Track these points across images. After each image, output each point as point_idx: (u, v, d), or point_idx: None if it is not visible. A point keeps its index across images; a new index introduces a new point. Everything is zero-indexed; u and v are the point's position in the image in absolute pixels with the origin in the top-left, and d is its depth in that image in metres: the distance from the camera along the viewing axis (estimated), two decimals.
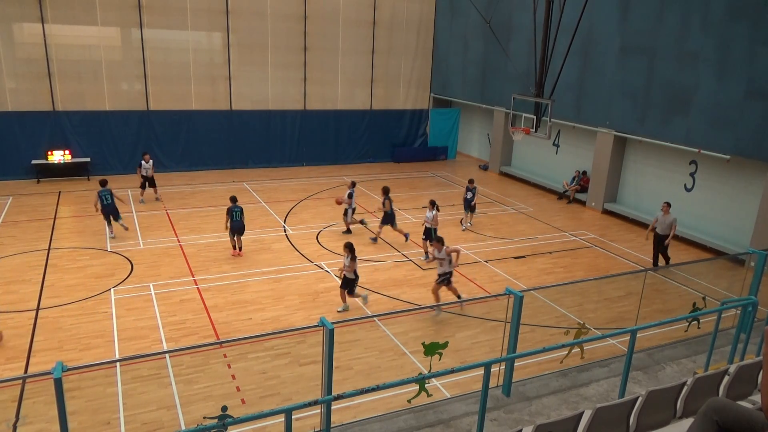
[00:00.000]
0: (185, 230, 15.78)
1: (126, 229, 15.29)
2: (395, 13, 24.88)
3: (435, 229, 14.32)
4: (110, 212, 14.85)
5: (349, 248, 11.30)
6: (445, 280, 11.42)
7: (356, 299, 11.71)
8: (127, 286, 12.26)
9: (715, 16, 14.88)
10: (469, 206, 16.80)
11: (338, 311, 11.49)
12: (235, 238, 14.13)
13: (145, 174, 17.99)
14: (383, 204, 15.24)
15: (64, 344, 9.88)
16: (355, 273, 11.42)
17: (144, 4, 20.59)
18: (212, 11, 21.66)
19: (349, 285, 11.45)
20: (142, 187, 18.19)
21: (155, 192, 18.47)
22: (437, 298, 11.53)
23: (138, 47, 20.97)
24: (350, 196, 15.75)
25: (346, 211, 15.97)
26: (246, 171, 23.07)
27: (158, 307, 11.34)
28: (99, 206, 14.76)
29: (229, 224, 14.09)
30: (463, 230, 16.67)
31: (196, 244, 14.76)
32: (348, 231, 16.07)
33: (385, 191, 15.31)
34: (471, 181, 16.90)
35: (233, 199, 14.39)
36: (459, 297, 11.55)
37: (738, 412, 3.54)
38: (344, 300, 11.55)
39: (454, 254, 11.32)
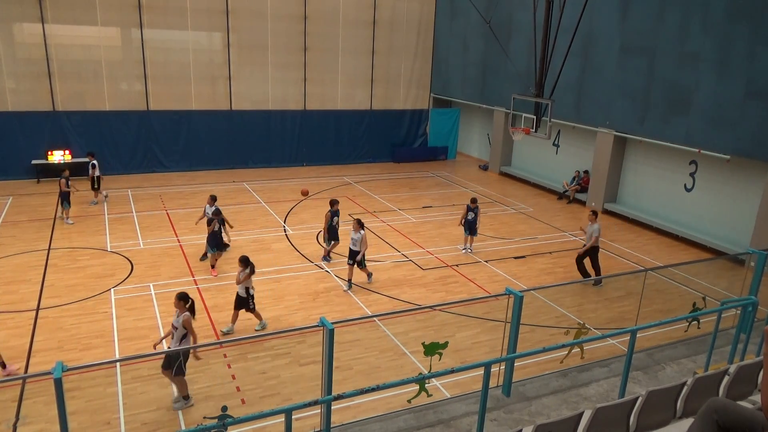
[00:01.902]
0: (185, 230, 15.77)
1: (65, 220, 15.95)
2: (395, 13, 24.88)
3: (362, 255, 12.41)
4: (62, 198, 15.78)
5: (244, 261, 10.25)
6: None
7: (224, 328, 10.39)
8: (127, 286, 12.26)
9: (715, 17, 14.88)
10: (470, 228, 14.89)
11: (222, 332, 10.40)
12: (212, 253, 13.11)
13: (91, 174, 17.63)
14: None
15: (64, 344, 9.88)
16: (247, 291, 10.25)
17: (144, 4, 20.58)
18: (212, 11, 21.65)
19: (241, 305, 10.35)
20: (93, 188, 17.81)
21: (95, 195, 17.83)
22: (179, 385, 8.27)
23: (138, 47, 20.96)
24: (217, 213, 13.22)
25: (218, 233, 13.19)
26: (246, 171, 23.07)
27: (158, 307, 11.33)
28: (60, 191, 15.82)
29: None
30: (463, 251, 14.95)
31: (196, 244, 14.75)
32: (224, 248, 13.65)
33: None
34: (473, 201, 15.06)
35: (214, 204, 13.43)
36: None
37: (738, 413, 3.53)
38: (260, 318, 10.65)
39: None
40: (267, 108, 23.47)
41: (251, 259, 10.54)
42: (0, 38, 19.17)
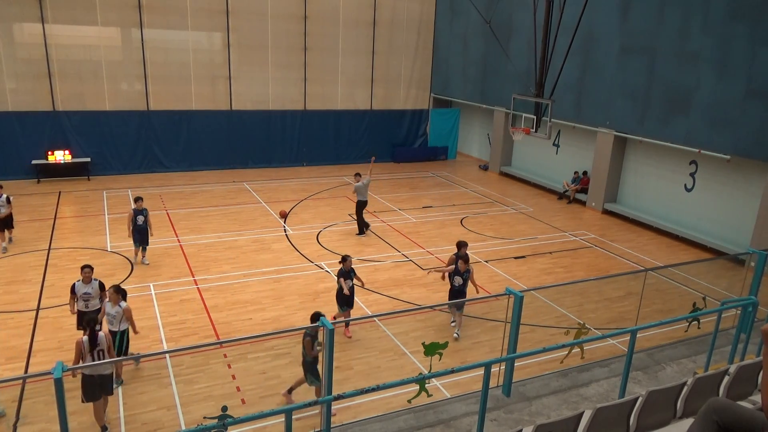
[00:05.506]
0: (185, 230, 15.78)
1: (142, 260, 13.40)
2: (395, 13, 24.89)
3: (124, 334, 8.72)
4: (143, 235, 13.18)
5: None
6: None
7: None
8: (127, 286, 12.15)
9: (715, 16, 14.88)
10: (457, 297, 10.56)
11: None
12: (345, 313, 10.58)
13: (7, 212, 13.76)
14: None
15: (64, 344, 9.87)
16: None
17: (144, 4, 20.58)
18: (212, 11, 21.65)
19: None
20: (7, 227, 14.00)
21: (9, 233, 14.15)
22: None
23: (138, 47, 20.96)
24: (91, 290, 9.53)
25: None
26: (246, 171, 23.07)
27: (158, 307, 11.34)
28: (131, 227, 13.11)
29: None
30: (453, 325, 10.81)
31: (196, 244, 14.75)
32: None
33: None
34: (465, 261, 10.62)
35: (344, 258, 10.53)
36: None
37: (738, 413, 3.53)
38: None
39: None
40: (267, 108, 23.46)
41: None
42: (0, 38, 19.18)
